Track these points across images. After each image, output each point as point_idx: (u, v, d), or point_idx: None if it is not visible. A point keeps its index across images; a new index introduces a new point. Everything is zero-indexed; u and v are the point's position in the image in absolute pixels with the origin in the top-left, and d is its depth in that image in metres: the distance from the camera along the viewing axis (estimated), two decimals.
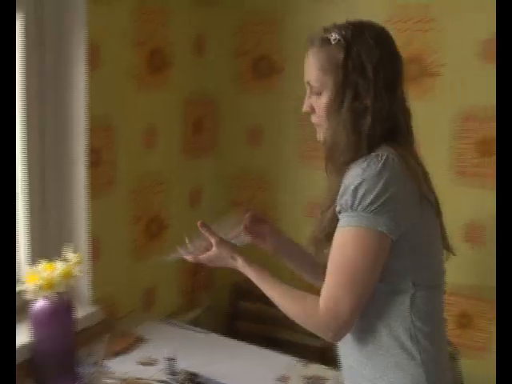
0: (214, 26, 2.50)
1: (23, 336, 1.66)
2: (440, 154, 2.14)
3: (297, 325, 2.45)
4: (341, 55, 1.24)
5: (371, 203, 1.17)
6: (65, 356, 1.69)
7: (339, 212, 1.23)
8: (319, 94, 1.29)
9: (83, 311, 1.91)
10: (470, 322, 2.20)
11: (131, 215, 2.19)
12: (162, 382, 1.72)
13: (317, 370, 1.82)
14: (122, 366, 1.78)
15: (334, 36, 1.25)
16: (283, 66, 2.41)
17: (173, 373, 1.74)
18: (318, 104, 1.30)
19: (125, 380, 1.71)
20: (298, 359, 1.89)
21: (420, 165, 1.30)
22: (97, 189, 1.99)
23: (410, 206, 1.22)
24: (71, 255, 1.70)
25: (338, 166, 1.28)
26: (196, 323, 2.44)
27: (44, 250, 1.90)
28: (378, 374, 1.29)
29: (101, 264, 2.02)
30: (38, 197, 1.92)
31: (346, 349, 1.38)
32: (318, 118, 1.32)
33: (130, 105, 2.12)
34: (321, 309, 1.22)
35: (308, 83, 1.31)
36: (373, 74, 1.24)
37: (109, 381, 1.69)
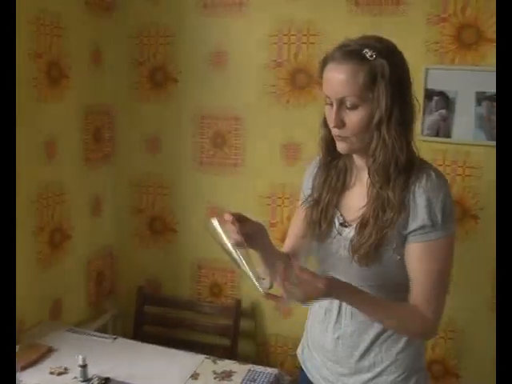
0: (110, 38, 2.54)
1: None
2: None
3: (202, 325, 2.54)
4: (384, 70, 1.28)
5: (452, 215, 1.35)
6: None
7: (423, 227, 1.33)
8: (354, 108, 1.31)
9: None
10: None
11: (34, 226, 2.18)
12: None
13: (225, 365, 1.90)
14: (34, 377, 1.79)
15: (369, 53, 1.28)
16: (178, 76, 2.50)
17: (86, 379, 1.78)
18: (353, 118, 1.31)
19: None
20: (206, 356, 1.96)
21: None
22: None
23: None
24: None
25: (387, 175, 1.34)
26: (104, 330, 2.47)
27: None
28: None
29: None
30: None
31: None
32: (351, 132, 1.33)
33: (29, 116, 2.12)
34: (429, 317, 1.36)
35: (340, 99, 1.31)
36: (408, 84, 1.35)
37: None
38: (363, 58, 1.28)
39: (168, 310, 2.59)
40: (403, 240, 1.36)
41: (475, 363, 2.28)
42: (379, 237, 1.35)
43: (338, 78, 1.30)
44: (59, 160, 2.29)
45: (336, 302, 1.48)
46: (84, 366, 1.78)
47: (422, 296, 1.36)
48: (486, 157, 2.14)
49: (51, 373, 1.83)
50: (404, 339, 1.45)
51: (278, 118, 2.35)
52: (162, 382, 1.81)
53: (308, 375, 1.59)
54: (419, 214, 1.32)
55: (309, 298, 1.28)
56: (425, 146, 2.17)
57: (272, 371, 1.82)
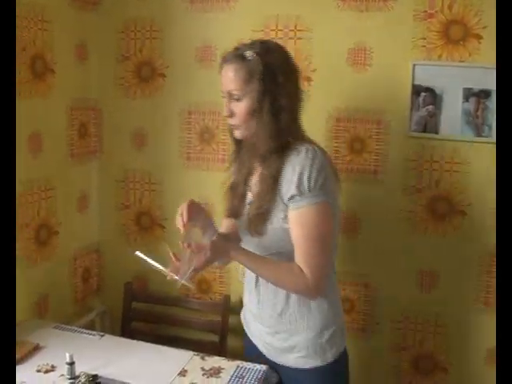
0: (95, 32, 2.52)
1: None
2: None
3: (190, 322, 2.54)
4: (258, 67, 1.56)
5: (322, 184, 1.57)
6: None
7: (293, 196, 1.57)
8: (239, 100, 1.60)
9: None
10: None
11: (19, 223, 2.16)
12: None
13: (214, 361, 1.89)
14: (21, 375, 1.76)
15: (249, 53, 1.57)
16: (165, 71, 2.48)
17: (73, 376, 1.76)
18: (238, 109, 1.61)
19: None
20: (194, 353, 1.96)
21: None
22: None
23: (335, 187, 1.67)
24: None
25: (262, 155, 1.63)
26: (91, 327, 2.46)
27: None
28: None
29: None
30: None
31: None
32: (239, 120, 1.62)
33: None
34: (309, 277, 1.59)
35: (229, 92, 1.61)
36: (283, 80, 1.58)
37: None
38: (244, 59, 1.58)
39: (156, 307, 2.58)
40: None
41: (464, 358, 2.30)
42: (263, 210, 1.61)
43: (227, 76, 1.61)
44: (45, 156, 2.27)
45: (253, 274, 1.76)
46: (71, 364, 1.76)
47: (301, 258, 1.59)
48: (473, 153, 2.16)
49: (38, 370, 1.81)
50: (314, 301, 1.69)
51: None
52: (150, 379, 1.79)
53: (248, 334, 1.90)
54: (291, 185, 1.57)
55: (202, 264, 1.59)
56: (412, 141, 2.20)
57: (260, 368, 1.82)
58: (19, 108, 2.10)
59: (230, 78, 1.60)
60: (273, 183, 1.60)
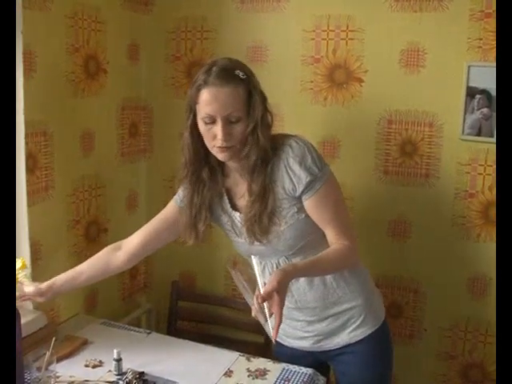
0: (147, 33, 2.54)
1: None
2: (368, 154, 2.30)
3: (236, 322, 2.54)
4: (254, 84, 1.59)
5: (321, 160, 1.64)
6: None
7: (308, 184, 1.60)
8: (239, 121, 1.56)
9: (26, 317, 1.90)
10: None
11: (70, 219, 2.20)
12: (110, 382, 1.75)
13: (260, 363, 1.88)
14: (70, 369, 1.79)
15: (241, 73, 1.56)
16: None
17: (120, 373, 1.78)
18: (238, 129, 1.56)
19: (72, 383, 1.73)
20: (240, 354, 1.95)
21: None
22: (34, 194, 2.00)
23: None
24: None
25: (258, 167, 1.61)
26: (138, 325, 2.48)
27: None
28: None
29: (41, 269, 2.03)
30: None
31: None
32: (236, 141, 1.57)
33: (67, 110, 2.13)
34: (350, 245, 1.63)
35: (226, 116, 1.54)
36: (264, 96, 1.62)
37: None
38: (237, 79, 1.54)
39: (202, 306, 2.59)
40: (300, 201, 1.64)
41: None
42: (268, 216, 1.63)
43: (221, 99, 1.52)
44: (96, 154, 2.31)
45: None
46: (119, 360, 1.78)
47: (336, 232, 1.64)
48: None
49: (86, 365, 1.84)
50: (348, 271, 1.75)
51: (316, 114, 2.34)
52: (196, 379, 1.79)
53: (285, 344, 1.91)
54: (300, 176, 1.60)
55: (280, 304, 1.42)
56: (465, 145, 2.14)
57: (306, 371, 1.80)
58: (73, 107, 2.16)
59: (225, 101, 1.53)
60: (271, 187, 1.62)
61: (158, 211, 2.65)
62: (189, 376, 1.80)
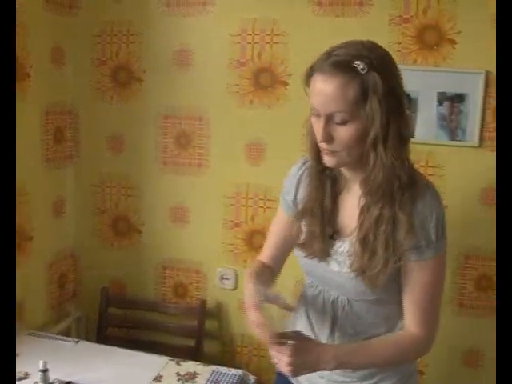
0: (72, 37, 2.50)
1: None
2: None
3: (166, 326, 2.52)
4: (377, 85, 1.19)
5: (445, 232, 1.31)
6: None
7: (418, 246, 1.28)
8: (344, 124, 1.23)
9: None
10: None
11: None
12: None
13: (189, 366, 1.89)
14: None
15: (361, 65, 1.19)
16: (142, 75, 2.47)
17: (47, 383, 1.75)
18: (342, 133, 1.24)
19: None
20: (170, 358, 1.95)
21: None
22: None
23: None
24: None
25: (400, 199, 1.27)
26: (67, 334, 2.44)
27: None
28: None
29: None
30: None
31: None
32: (340, 147, 1.26)
33: None
34: (423, 337, 1.35)
35: (328, 114, 1.23)
36: (403, 96, 1.26)
37: None
38: (353, 71, 1.19)
39: (132, 312, 2.56)
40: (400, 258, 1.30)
41: None
42: (393, 265, 1.28)
43: (326, 92, 1.21)
44: (20, 160, 2.24)
45: (329, 316, 1.44)
46: (45, 371, 1.75)
47: (416, 317, 1.34)
48: (448, 157, 2.17)
49: None
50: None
51: (243, 118, 2.35)
52: None
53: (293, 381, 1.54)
54: (421, 233, 1.27)
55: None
56: None
57: (236, 372, 1.82)
58: None
59: (330, 96, 1.21)
60: (410, 230, 1.27)
61: (87, 216, 2.63)
62: (117, 383, 1.79)
